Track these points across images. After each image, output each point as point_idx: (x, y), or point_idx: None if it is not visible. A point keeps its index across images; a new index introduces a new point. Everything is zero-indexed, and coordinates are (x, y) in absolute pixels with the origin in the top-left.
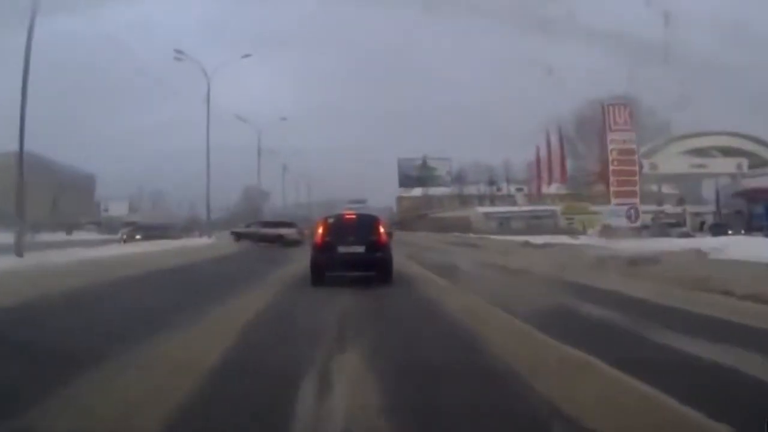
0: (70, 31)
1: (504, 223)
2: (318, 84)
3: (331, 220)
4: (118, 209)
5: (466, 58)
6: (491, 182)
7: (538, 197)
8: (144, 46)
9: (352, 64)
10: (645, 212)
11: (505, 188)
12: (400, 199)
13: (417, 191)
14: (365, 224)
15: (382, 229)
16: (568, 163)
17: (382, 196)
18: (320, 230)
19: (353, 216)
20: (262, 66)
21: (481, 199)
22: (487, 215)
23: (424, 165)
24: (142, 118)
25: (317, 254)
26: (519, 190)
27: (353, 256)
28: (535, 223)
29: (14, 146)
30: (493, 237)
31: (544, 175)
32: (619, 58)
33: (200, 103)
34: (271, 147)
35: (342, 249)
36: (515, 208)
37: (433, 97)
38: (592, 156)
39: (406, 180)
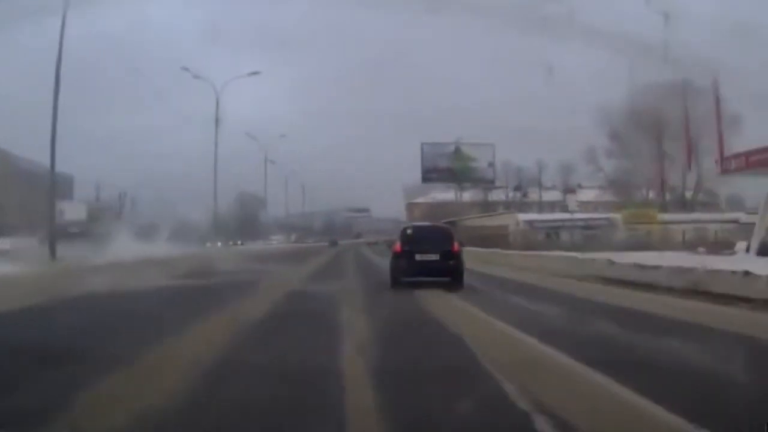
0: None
1: (552, 235)
2: (317, 88)
3: (409, 231)
4: (75, 213)
5: (472, 59)
6: (517, 187)
7: (661, 198)
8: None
9: (353, 66)
10: None
11: (537, 193)
12: (411, 206)
13: (434, 195)
14: (440, 234)
15: (455, 240)
16: (611, 164)
17: (388, 204)
18: (399, 239)
19: (429, 227)
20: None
21: (507, 207)
22: (531, 224)
23: (458, 153)
24: (130, 119)
25: (397, 260)
26: (570, 192)
27: (429, 263)
28: (592, 235)
29: None
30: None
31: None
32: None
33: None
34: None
35: (419, 257)
36: (565, 216)
37: (437, 99)
38: (645, 155)
39: (432, 173)
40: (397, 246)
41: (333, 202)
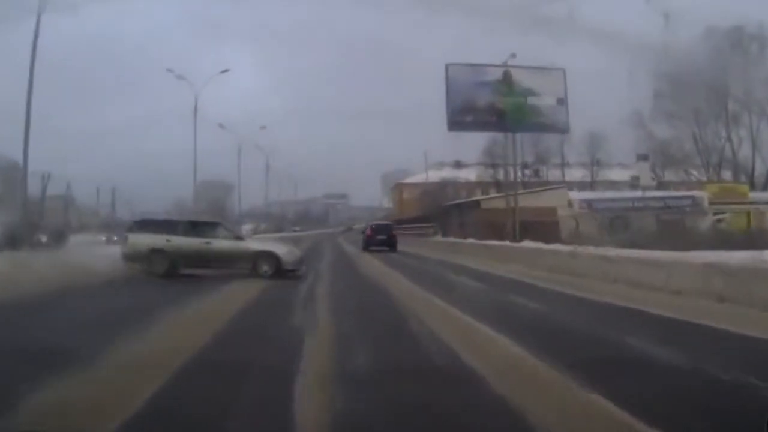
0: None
1: (617, 222)
2: (294, 79)
3: (373, 226)
4: None
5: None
6: (526, 165)
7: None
8: None
9: (347, 61)
10: None
11: (561, 172)
12: (399, 187)
13: (420, 175)
14: (387, 226)
15: (393, 229)
16: (661, 130)
17: (364, 190)
18: (369, 229)
19: (382, 223)
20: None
21: (527, 187)
22: (590, 206)
23: (508, 82)
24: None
25: (368, 238)
26: (644, 158)
27: (382, 240)
28: (673, 221)
29: None
30: None
31: None
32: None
33: None
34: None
35: (378, 237)
36: (636, 194)
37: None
38: (694, 119)
39: (466, 115)
40: (369, 231)
41: (310, 190)
